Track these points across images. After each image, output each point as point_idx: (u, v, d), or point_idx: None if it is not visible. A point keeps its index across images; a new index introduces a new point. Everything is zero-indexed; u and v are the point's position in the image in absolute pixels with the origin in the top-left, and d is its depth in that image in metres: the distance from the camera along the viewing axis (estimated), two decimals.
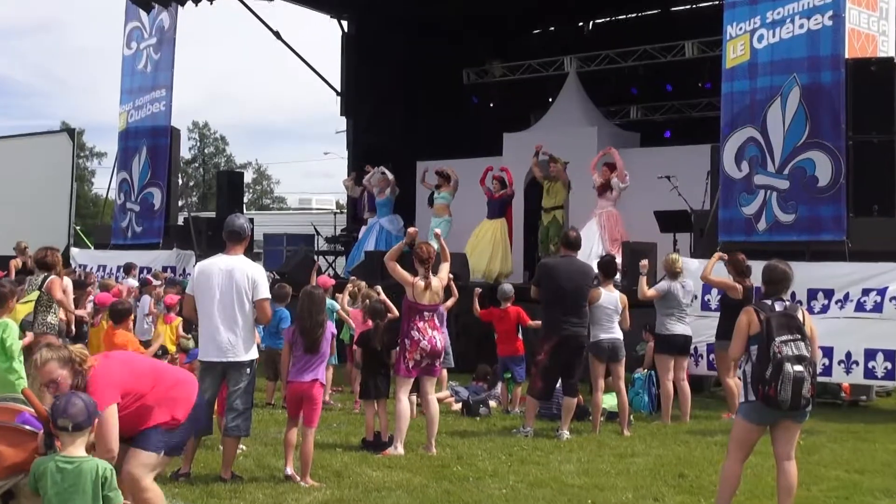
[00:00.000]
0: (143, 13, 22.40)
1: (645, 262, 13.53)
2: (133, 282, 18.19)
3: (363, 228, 21.66)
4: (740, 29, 15.51)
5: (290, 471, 9.33)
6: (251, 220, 10.04)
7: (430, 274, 10.71)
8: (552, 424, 12.36)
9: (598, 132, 21.67)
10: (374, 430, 11.05)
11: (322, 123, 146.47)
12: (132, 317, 12.63)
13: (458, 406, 13.55)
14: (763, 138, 15.21)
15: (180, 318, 13.57)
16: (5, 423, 5.14)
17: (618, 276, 14.09)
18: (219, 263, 9.25)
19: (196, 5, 21.45)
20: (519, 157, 21.48)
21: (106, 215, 30.89)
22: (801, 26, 14.90)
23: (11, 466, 5.07)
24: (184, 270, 21.09)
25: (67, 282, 13.24)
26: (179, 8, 21.57)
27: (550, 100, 23.95)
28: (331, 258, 25.58)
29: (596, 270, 12.54)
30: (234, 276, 9.08)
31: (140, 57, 22.77)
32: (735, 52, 15.56)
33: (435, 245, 11.31)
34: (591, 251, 16.78)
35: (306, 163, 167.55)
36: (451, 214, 19.90)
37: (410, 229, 11.57)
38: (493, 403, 13.81)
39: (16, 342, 9.47)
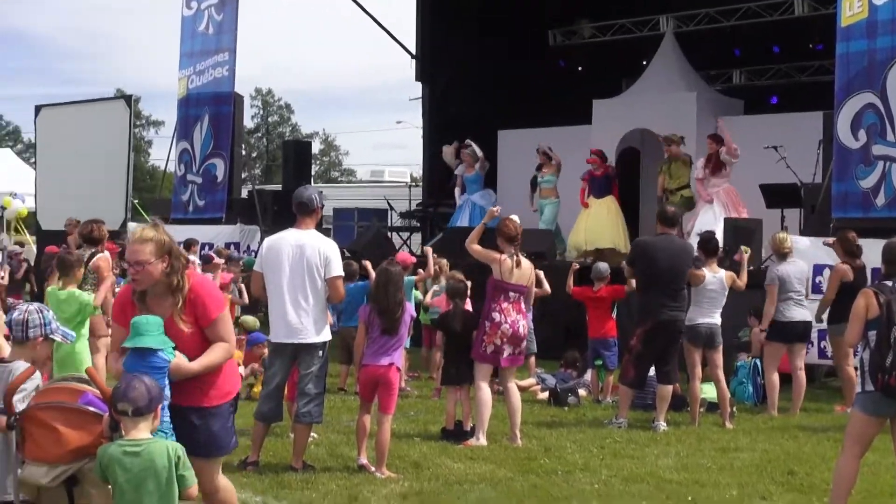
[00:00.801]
0: None
1: (743, 252, 13.12)
2: (194, 258, 18.27)
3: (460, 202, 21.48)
4: None
5: (363, 460, 9.37)
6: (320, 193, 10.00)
7: (519, 253, 10.71)
8: (647, 415, 12.30)
9: (697, 98, 21.28)
10: (455, 419, 11.08)
11: (394, 90, 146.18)
12: None
13: (544, 394, 13.51)
14: (882, 104, 14.84)
15: (229, 297, 13.63)
16: (67, 403, 5.20)
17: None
18: (289, 238, 9.29)
19: None
20: (610, 127, 21.31)
21: (164, 188, 31.17)
22: None
23: (75, 450, 5.14)
24: (248, 247, 21.22)
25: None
26: None
27: (644, 63, 23.59)
28: (405, 234, 25.56)
29: (696, 249, 12.37)
30: (305, 251, 9.11)
31: (201, 18, 22.80)
32: (851, 8, 15.17)
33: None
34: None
35: (377, 132, 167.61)
36: (559, 196, 19.75)
37: (492, 208, 11.50)
38: (582, 392, 13.78)
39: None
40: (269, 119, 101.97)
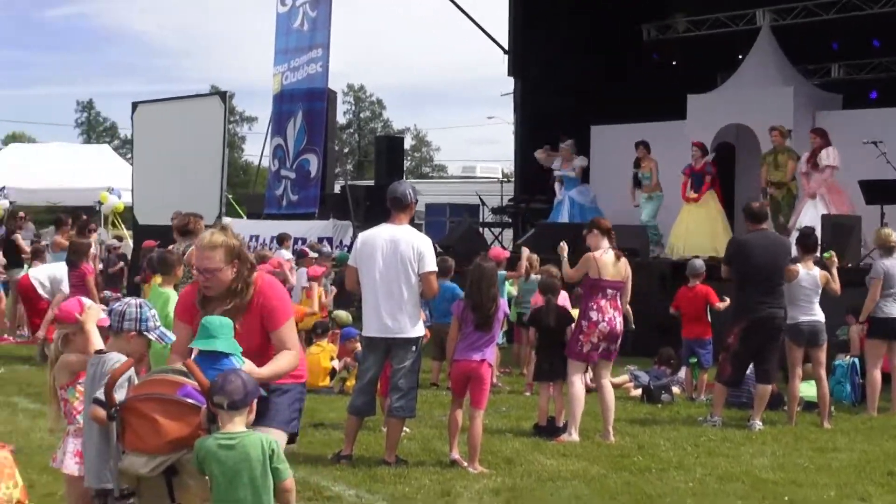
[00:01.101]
0: None
1: (828, 259, 12.73)
2: (287, 253, 18.36)
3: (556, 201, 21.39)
4: None
5: (455, 455, 9.36)
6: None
7: (614, 246, 10.68)
8: (742, 413, 12.14)
9: (794, 92, 20.92)
10: (547, 415, 11.05)
11: (486, 86, 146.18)
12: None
13: (637, 392, 13.41)
14: None
15: (321, 290, 13.72)
16: (166, 395, 5.26)
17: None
18: (383, 234, 9.32)
19: None
20: (705, 122, 21.08)
21: (258, 184, 31.44)
22: None
23: (174, 441, 5.20)
24: (340, 242, 21.34)
25: None
26: None
27: (740, 57, 23.23)
28: (497, 230, 25.52)
29: (794, 245, 12.18)
30: (400, 247, 9.14)
31: (296, 14, 22.97)
32: None
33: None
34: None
35: (469, 128, 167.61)
36: (661, 190, 19.62)
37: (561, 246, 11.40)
38: (675, 389, 13.66)
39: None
40: (361, 115, 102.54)
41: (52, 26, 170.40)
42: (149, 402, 5.28)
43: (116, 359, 5.51)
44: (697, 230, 18.61)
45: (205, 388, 5.23)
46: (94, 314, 6.09)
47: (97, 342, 5.99)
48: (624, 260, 10.78)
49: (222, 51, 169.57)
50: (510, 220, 25.02)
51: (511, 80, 25.56)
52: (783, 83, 21.39)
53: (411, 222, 9.77)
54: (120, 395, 5.30)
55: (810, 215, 16.96)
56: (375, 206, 22.83)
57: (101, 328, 6.11)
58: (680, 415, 12.45)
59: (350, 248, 21.14)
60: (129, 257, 23.13)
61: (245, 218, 25.40)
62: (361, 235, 9.61)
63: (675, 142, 20.12)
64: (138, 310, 5.62)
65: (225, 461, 4.94)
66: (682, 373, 13.92)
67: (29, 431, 10.42)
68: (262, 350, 5.82)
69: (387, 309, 9.16)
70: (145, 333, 5.62)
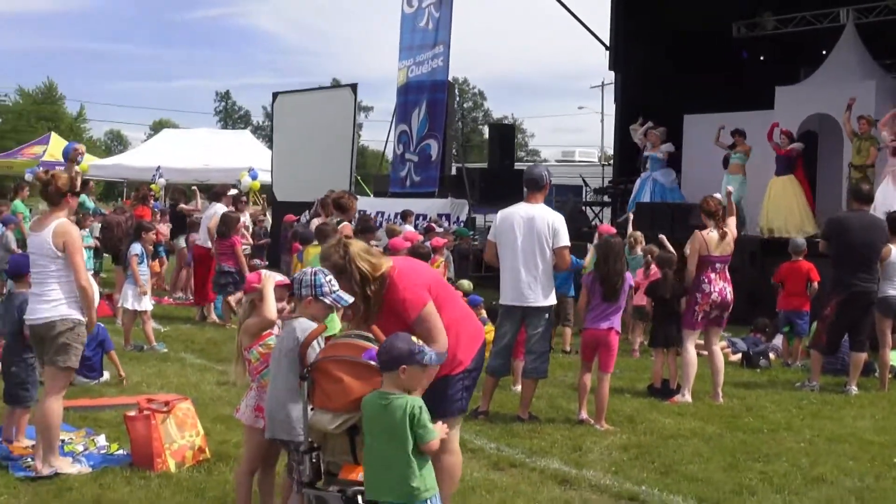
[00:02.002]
0: None
1: None
2: (409, 227, 18.31)
3: (638, 180, 21.05)
4: None
5: (584, 415, 9.23)
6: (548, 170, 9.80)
7: (723, 225, 10.38)
8: (837, 380, 11.80)
9: (876, 86, 20.30)
10: (661, 378, 10.80)
11: (576, 79, 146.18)
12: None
13: (736, 357, 13.06)
14: None
15: (442, 259, 13.57)
16: (352, 357, 5.14)
17: None
18: (520, 211, 9.18)
19: None
20: (791, 111, 20.52)
21: (370, 165, 31.48)
22: None
23: (357, 400, 5.08)
24: (457, 218, 21.25)
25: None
26: None
27: (824, 52, 22.61)
28: (597, 209, 25.27)
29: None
30: (535, 223, 9.00)
31: (421, 15, 22.88)
32: None
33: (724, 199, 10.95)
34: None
35: (559, 118, 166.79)
36: (746, 174, 19.12)
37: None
38: (771, 356, 13.28)
39: None
40: (465, 105, 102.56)
41: (192, 27, 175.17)
42: (337, 363, 5.18)
43: (306, 325, 5.39)
44: (776, 211, 18.16)
45: None
46: (270, 281, 5.99)
47: (272, 306, 5.91)
48: (729, 237, 10.50)
49: (342, 48, 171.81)
50: (609, 200, 24.73)
51: (600, 74, 25.43)
52: (866, 77, 20.72)
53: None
54: (310, 357, 5.21)
55: (884, 194, 16.34)
56: (489, 187, 22.81)
57: (280, 289, 6.03)
58: (779, 379, 12.13)
59: (466, 223, 21.23)
60: (269, 230, 23.37)
61: (372, 196, 25.39)
62: (501, 213, 9.43)
63: (764, 130, 19.54)
64: (313, 277, 5.46)
65: (376, 417, 4.85)
66: (777, 340, 13.55)
67: (198, 384, 10.46)
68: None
69: (523, 280, 9.03)
70: (321, 298, 5.45)
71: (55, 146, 34.64)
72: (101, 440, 7.82)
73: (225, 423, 8.57)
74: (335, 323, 6.96)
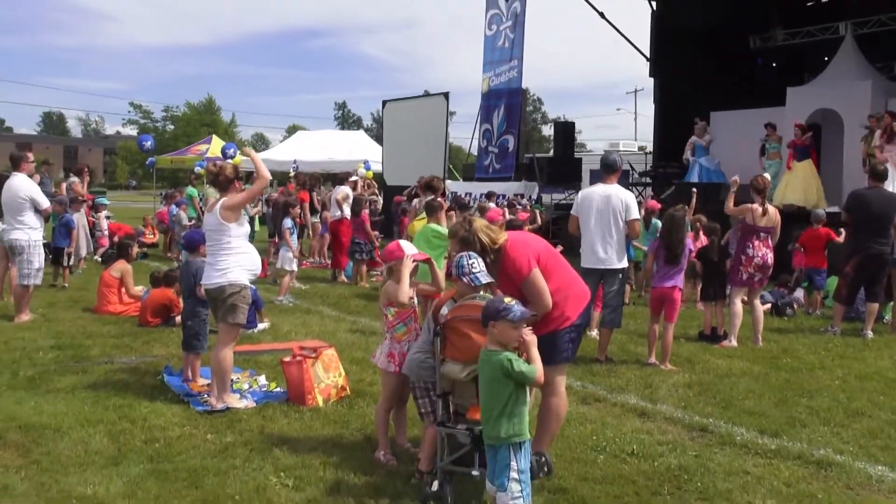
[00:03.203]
0: (501, 2, 21.88)
1: None
2: (493, 205, 17.83)
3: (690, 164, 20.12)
4: None
5: (652, 359, 8.66)
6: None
7: (766, 202, 9.72)
8: (852, 325, 10.99)
9: (871, 85, 19.20)
10: (711, 326, 10.14)
11: (614, 86, 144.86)
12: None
13: (766, 307, 12.25)
14: None
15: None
16: (477, 316, 4.66)
17: None
18: (598, 191, 8.69)
19: None
20: (800, 108, 19.52)
21: (454, 157, 31.02)
22: None
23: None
24: (529, 196, 20.76)
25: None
26: None
27: (826, 59, 21.48)
28: (640, 188, 24.40)
29: None
30: (612, 200, 8.52)
31: (500, 36, 22.35)
32: None
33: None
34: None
35: (601, 117, 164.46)
36: (781, 158, 18.10)
37: (734, 178, 10.36)
38: (795, 306, 12.49)
39: None
40: (526, 108, 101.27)
41: (314, 54, 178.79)
42: (464, 322, 4.72)
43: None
44: (795, 186, 17.10)
45: None
46: (408, 265, 5.52)
47: (405, 289, 5.47)
48: (773, 210, 9.81)
49: (427, 66, 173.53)
50: (650, 181, 23.83)
51: (635, 80, 24.85)
52: (863, 78, 19.61)
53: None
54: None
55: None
56: (553, 172, 22.17)
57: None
58: (804, 325, 11.36)
59: (537, 200, 20.67)
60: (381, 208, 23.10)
61: (461, 180, 24.90)
62: (581, 192, 8.93)
63: (777, 124, 18.66)
64: (458, 260, 5.01)
65: (483, 370, 4.42)
66: (798, 293, 12.75)
67: (335, 332, 10.07)
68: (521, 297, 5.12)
69: (601, 247, 8.52)
70: (461, 278, 4.97)
71: (216, 145, 35.01)
72: (262, 380, 7.46)
73: (359, 364, 8.17)
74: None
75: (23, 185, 9.77)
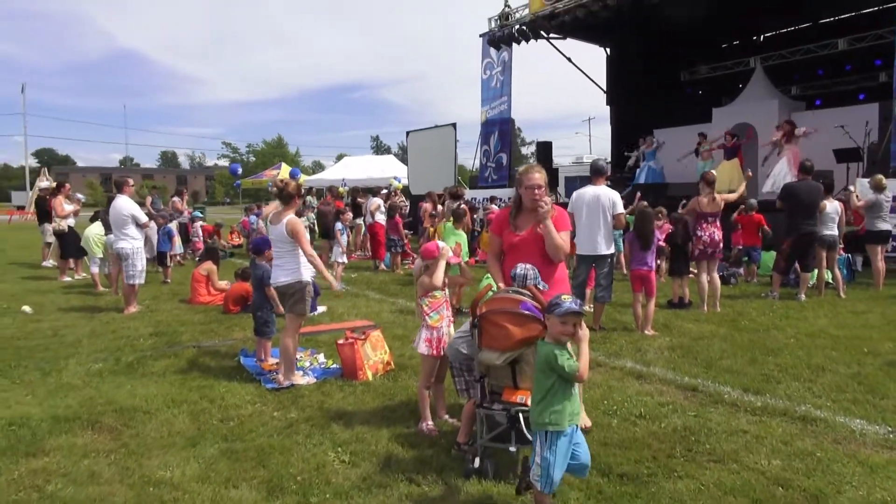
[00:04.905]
0: (493, 51, 20.69)
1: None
2: (495, 207, 16.82)
3: (637, 170, 18.95)
4: None
5: (638, 328, 7.59)
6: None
7: (713, 191, 8.67)
8: (789, 291, 9.94)
9: (778, 104, 18.08)
10: (679, 296, 9.10)
11: (576, 115, 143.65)
12: None
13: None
14: None
15: None
16: (512, 309, 3.68)
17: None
18: (588, 191, 7.63)
19: (518, 44, 19.48)
20: (723, 123, 18.37)
21: (460, 172, 29.84)
22: None
23: (519, 341, 3.66)
24: None
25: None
26: (515, 46, 19.69)
27: (741, 86, 20.28)
28: None
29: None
30: (600, 199, 7.49)
31: (493, 79, 21.12)
32: None
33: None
34: (784, 177, 13.62)
35: (563, 139, 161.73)
36: (713, 158, 16.94)
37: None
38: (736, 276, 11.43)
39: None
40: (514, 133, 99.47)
41: (354, 101, 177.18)
42: (500, 314, 3.70)
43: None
44: (724, 178, 15.95)
45: (542, 304, 3.59)
46: (445, 254, 4.54)
47: (440, 276, 4.53)
48: (718, 199, 8.74)
49: (441, 103, 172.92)
50: (609, 185, 22.69)
51: (594, 109, 23.45)
52: (771, 98, 18.47)
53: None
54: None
55: (779, 168, 14.32)
56: None
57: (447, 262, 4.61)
58: (747, 292, 10.31)
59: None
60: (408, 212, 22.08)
61: (467, 188, 23.81)
62: (575, 193, 7.86)
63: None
64: (522, 271, 4.03)
65: (538, 357, 3.37)
66: (741, 268, 11.68)
67: (379, 313, 9.07)
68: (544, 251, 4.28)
69: (592, 237, 7.46)
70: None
71: (284, 170, 34.10)
72: (321, 357, 6.47)
73: (401, 340, 7.18)
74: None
75: (125, 204, 8.80)
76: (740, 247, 11.63)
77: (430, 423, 4.61)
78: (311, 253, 5.81)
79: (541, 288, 3.90)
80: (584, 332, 3.35)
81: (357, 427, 4.67)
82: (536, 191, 4.25)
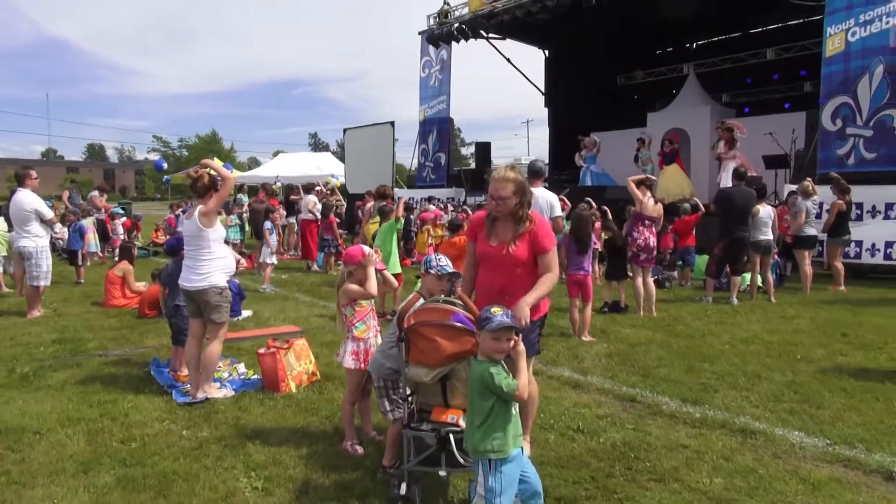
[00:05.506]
0: (431, 49, 20.40)
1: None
2: (433, 206, 16.53)
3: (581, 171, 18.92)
4: (837, 28, 12.19)
5: (575, 334, 7.39)
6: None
7: (654, 196, 8.58)
8: (719, 294, 9.92)
9: (710, 110, 18.45)
10: (614, 300, 8.98)
11: (515, 118, 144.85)
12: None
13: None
14: (854, 102, 12.00)
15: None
16: (441, 321, 3.34)
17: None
18: None
19: (458, 43, 19.28)
20: (658, 127, 18.69)
21: (399, 171, 29.48)
22: (888, 23, 11.55)
23: (450, 356, 3.33)
24: (458, 200, 19.44)
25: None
26: (454, 45, 19.46)
27: (674, 91, 20.62)
28: None
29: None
30: (538, 201, 7.08)
31: (431, 78, 20.85)
32: (833, 45, 12.25)
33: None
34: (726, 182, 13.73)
35: (502, 140, 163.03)
36: (653, 162, 16.97)
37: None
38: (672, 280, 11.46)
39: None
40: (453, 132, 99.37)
41: (295, 97, 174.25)
42: (430, 326, 3.35)
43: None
44: (667, 184, 16.08)
45: (475, 316, 3.27)
46: (371, 261, 4.17)
47: (373, 284, 4.16)
48: (660, 205, 8.69)
49: (381, 102, 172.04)
50: (547, 186, 22.72)
51: (531, 112, 23.62)
52: (704, 104, 18.84)
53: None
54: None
55: (727, 175, 14.44)
56: (476, 181, 20.82)
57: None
58: (681, 295, 10.32)
59: (464, 202, 19.33)
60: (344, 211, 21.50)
61: (406, 188, 23.42)
62: None
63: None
64: (426, 257, 3.74)
65: (470, 377, 3.09)
66: (675, 272, 11.71)
67: (308, 316, 8.63)
68: (529, 264, 3.76)
69: None
70: (429, 271, 3.68)
71: (216, 165, 32.86)
72: (242, 368, 6.01)
73: (328, 347, 6.77)
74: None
75: (27, 199, 8.06)
76: (669, 250, 11.64)
77: (356, 441, 4.25)
78: (225, 173, 5.38)
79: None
80: (521, 348, 3.05)
81: (274, 447, 4.26)
82: (497, 206, 3.72)
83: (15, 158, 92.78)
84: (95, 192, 15.78)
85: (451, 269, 3.73)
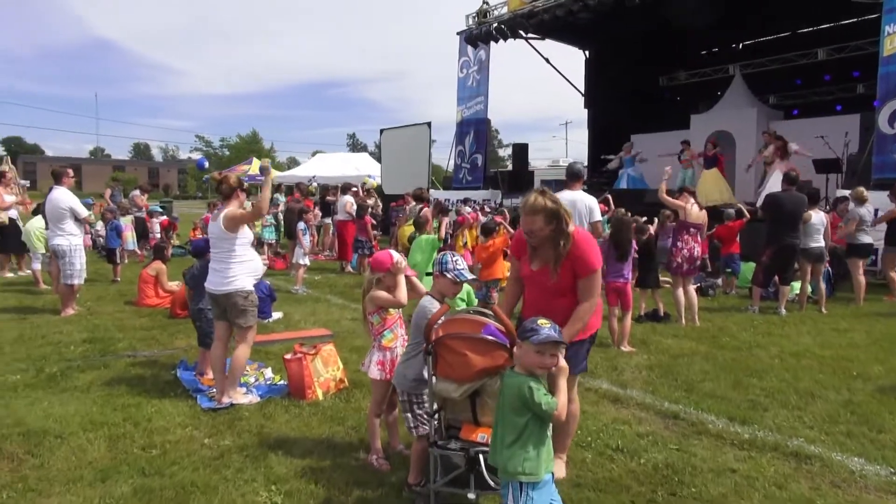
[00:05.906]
0: (470, 50, 20.17)
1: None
2: (469, 209, 16.24)
3: (619, 175, 18.48)
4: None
5: (615, 344, 7.08)
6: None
7: (697, 202, 8.21)
8: (767, 304, 9.45)
9: (756, 112, 17.87)
10: (652, 308, 8.62)
11: (554, 119, 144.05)
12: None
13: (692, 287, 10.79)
14: None
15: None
16: (472, 334, 3.11)
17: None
18: (565, 196, 6.97)
19: (497, 43, 18.99)
20: (701, 130, 18.20)
21: (435, 172, 29.32)
22: None
23: (480, 371, 3.09)
24: (494, 202, 19.17)
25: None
26: (493, 45, 19.20)
27: (719, 93, 20.01)
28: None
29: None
30: (577, 205, 6.91)
31: (468, 78, 20.61)
32: (891, 44, 11.64)
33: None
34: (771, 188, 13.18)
35: (540, 142, 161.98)
36: (693, 167, 16.53)
37: (667, 168, 8.76)
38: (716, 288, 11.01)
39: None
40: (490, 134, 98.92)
41: (332, 98, 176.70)
42: (458, 339, 3.13)
43: (428, 303, 3.39)
44: (706, 189, 15.58)
45: (508, 329, 3.03)
46: (400, 268, 3.96)
47: (403, 292, 3.94)
48: (704, 211, 8.32)
49: (419, 103, 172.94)
50: (586, 189, 22.27)
51: (568, 113, 23.07)
52: (750, 107, 18.23)
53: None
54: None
55: (773, 181, 13.91)
56: (513, 183, 20.63)
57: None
58: (726, 304, 9.89)
59: (500, 205, 19.06)
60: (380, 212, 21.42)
61: (442, 189, 23.24)
62: None
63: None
64: (441, 257, 3.48)
65: (503, 391, 2.87)
66: (720, 279, 11.26)
67: (339, 319, 8.46)
68: (569, 289, 3.52)
69: None
70: (445, 274, 3.45)
71: (255, 165, 33.28)
72: (269, 373, 5.87)
73: (358, 352, 6.58)
74: (458, 302, 5.04)
75: (63, 196, 8.09)
76: (721, 256, 11.20)
77: (381, 456, 4.05)
78: (266, 198, 5.23)
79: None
80: (564, 364, 2.81)
81: (297, 458, 4.09)
82: (531, 239, 3.52)
83: (65, 157, 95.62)
84: (137, 191, 15.95)
85: (469, 275, 3.50)
